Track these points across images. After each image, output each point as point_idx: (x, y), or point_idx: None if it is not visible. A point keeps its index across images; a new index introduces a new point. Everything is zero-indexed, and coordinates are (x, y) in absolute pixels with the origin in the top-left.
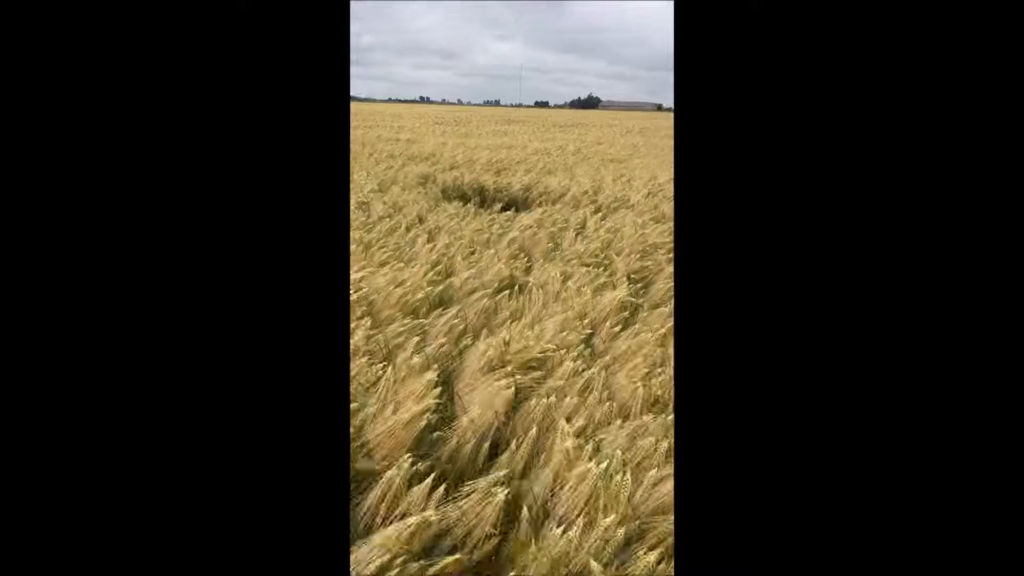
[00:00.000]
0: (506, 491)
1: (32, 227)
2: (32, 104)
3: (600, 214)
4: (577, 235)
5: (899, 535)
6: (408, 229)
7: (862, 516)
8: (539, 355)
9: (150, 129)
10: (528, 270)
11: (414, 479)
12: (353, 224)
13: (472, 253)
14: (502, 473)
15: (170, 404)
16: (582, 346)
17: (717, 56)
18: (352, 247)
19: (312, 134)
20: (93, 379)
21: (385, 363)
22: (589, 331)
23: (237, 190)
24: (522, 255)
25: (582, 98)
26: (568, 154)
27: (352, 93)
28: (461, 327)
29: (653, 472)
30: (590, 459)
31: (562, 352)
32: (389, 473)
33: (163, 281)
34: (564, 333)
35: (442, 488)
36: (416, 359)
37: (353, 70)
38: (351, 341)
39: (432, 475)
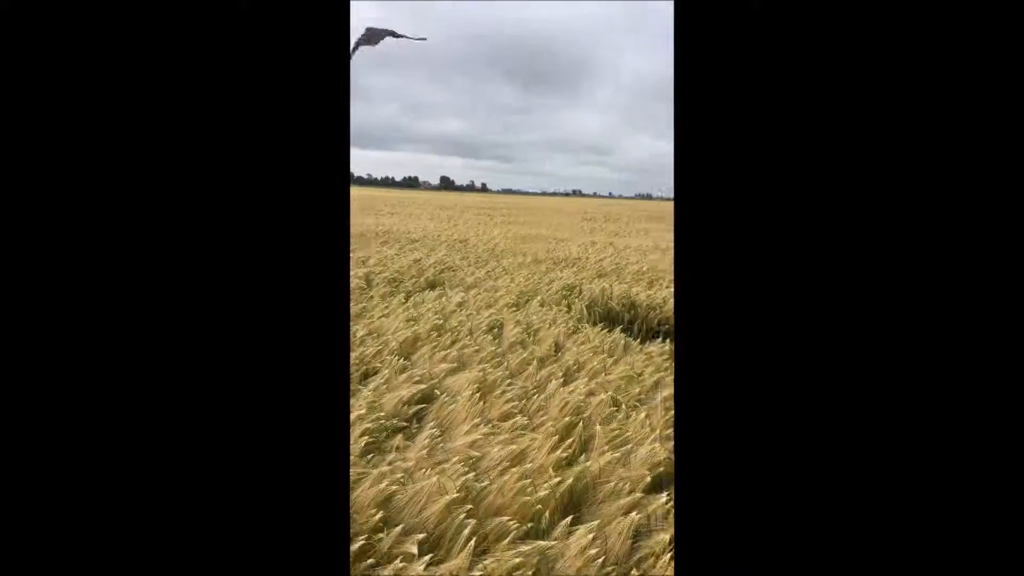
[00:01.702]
0: None
1: (32, 221)
2: (33, 102)
3: None
4: None
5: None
6: (540, 365)
7: (861, 537)
8: None
9: (150, 128)
10: None
11: None
12: (482, 353)
13: (617, 410)
14: None
15: (172, 408)
16: None
17: (717, 56)
18: (471, 391)
19: (312, 133)
20: (93, 379)
21: None
22: None
23: (235, 189)
24: None
25: None
26: None
27: (509, 186)
28: (600, 558)
29: None
30: None
31: None
32: None
33: (161, 286)
34: None
35: None
36: None
37: (508, 165)
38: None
39: None
